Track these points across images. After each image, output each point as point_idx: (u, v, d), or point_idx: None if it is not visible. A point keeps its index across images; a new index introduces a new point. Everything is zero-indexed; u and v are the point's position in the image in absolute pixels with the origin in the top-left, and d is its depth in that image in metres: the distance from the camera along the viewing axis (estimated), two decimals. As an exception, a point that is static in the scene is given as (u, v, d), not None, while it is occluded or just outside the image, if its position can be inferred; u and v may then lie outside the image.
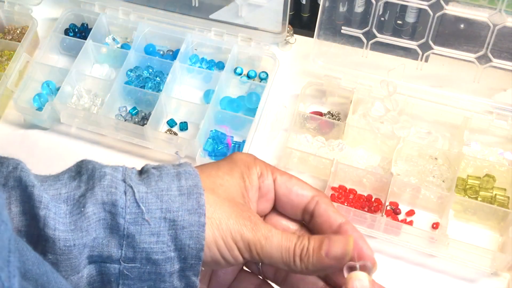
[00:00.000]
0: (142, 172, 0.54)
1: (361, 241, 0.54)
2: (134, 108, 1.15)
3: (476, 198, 1.02)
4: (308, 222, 0.59)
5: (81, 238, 0.49)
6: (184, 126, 1.14)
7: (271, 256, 0.53)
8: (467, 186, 1.03)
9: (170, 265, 0.51)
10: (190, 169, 0.53)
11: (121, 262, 0.50)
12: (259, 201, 0.58)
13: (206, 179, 0.53)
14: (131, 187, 0.51)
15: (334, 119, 1.11)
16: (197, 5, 1.17)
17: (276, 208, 0.60)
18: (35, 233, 0.48)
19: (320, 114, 1.12)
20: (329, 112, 1.12)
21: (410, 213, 1.03)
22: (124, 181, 0.51)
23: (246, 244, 0.52)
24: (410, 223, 1.02)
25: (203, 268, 0.53)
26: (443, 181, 1.03)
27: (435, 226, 1.01)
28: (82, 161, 0.55)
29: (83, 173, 0.52)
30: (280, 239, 0.53)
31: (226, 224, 0.52)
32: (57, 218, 0.49)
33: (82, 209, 0.50)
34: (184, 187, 0.52)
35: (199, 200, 0.51)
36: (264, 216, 0.61)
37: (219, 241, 0.52)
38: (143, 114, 1.14)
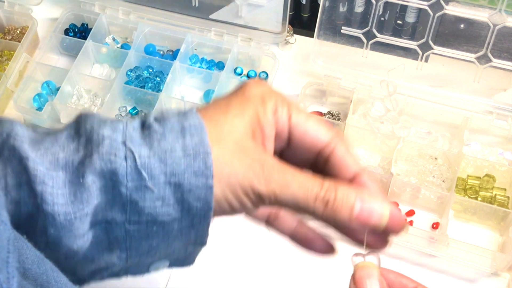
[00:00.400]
0: (144, 126, 0.50)
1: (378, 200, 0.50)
2: (134, 108, 1.15)
3: (476, 198, 1.02)
4: (322, 166, 0.55)
5: (81, 209, 0.47)
6: (184, 126, 1.12)
7: (288, 203, 0.49)
8: (467, 186, 1.03)
9: (178, 224, 0.49)
10: (196, 121, 0.49)
11: (126, 224, 0.49)
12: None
13: (213, 129, 0.49)
14: (132, 152, 0.48)
15: (334, 119, 1.11)
16: (197, 5, 1.17)
17: (289, 149, 0.55)
18: (34, 207, 0.47)
19: (320, 114, 1.12)
20: (329, 112, 1.12)
21: (410, 213, 1.03)
22: (124, 143, 0.48)
23: (258, 197, 0.49)
24: (410, 223, 1.02)
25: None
26: (443, 181, 1.03)
27: (435, 226, 1.01)
28: (80, 116, 0.51)
29: (82, 133, 0.50)
30: (299, 184, 0.49)
31: (235, 178, 0.48)
32: (54, 192, 0.47)
33: (81, 180, 0.47)
34: (189, 146, 0.48)
35: (206, 161, 0.48)
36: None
37: (229, 197, 0.49)
38: (143, 114, 1.13)
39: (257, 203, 0.50)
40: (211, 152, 0.48)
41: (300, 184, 0.49)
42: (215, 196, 0.48)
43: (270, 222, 0.59)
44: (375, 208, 0.49)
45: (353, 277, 0.50)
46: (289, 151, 0.55)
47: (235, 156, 0.49)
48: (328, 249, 0.57)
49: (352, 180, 0.52)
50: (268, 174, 0.48)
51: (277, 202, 0.49)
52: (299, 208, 0.49)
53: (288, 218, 0.58)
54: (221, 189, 0.48)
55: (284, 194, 0.48)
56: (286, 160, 0.52)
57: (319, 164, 0.54)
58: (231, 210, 0.50)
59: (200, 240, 0.52)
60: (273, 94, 0.52)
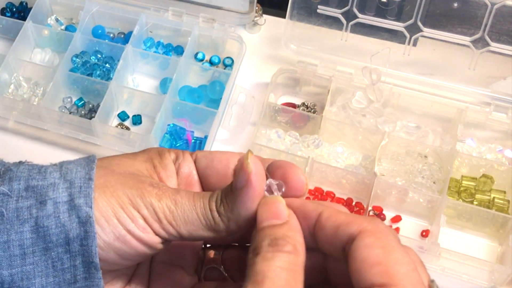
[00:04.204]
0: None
1: (287, 163, 0.51)
2: (81, 99, 1.13)
3: (471, 202, 1.01)
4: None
5: None
6: (137, 120, 1.12)
7: (187, 221, 0.49)
8: (462, 188, 1.03)
9: (54, 190, 0.48)
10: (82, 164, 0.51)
11: None
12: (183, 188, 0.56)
13: (101, 160, 0.51)
14: None
15: (309, 111, 1.10)
16: (152, -19, 1.18)
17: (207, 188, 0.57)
18: None
19: (293, 106, 1.11)
20: (303, 104, 1.11)
21: (396, 219, 1.02)
22: None
23: (151, 211, 0.48)
24: (396, 230, 1.01)
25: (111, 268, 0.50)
26: (434, 183, 1.02)
27: (425, 234, 1.00)
28: None
29: None
30: (191, 198, 0.50)
31: (122, 190, 0.48)
32: None
33: None
34: (69, 168, 0.50)
35: (89, 166, 0.49)
36: None
37: (117, 211, 0.48)
38: (90, 106, 1.12)
39: (153, 223, 0.49)
40: (95, 166, 0.49)
41: (195, 193, 0.50)
42: (101, 210, 0.47)
43: None
44: (238, 163, 0.49)
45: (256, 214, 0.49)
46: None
47: (123, 176, 0.49)
48: None
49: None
50: (160, 190, 0.49)
51: (176, 219, 0.49)
52: (199, 220, 0.49)
53: None
54: (107, 201, 0.48)
55: (182, 206, 0.49)
56: None
57: None
58: (127, 232, 0.48)
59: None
60: (172, 149, 0.55)
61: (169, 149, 0.55)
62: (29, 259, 0.47)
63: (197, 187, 0.55)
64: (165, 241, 0.50)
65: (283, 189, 0.50)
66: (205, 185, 0.55)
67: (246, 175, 0.48)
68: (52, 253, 0.47)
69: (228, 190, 0.50)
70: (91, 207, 0.48)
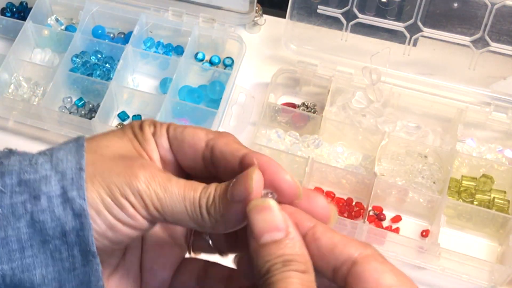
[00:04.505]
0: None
1: (272, 167, 0.49)
2: (81, 99, 1.12)
3: (471, 202, 1.01)
4: (216, 175, 0.54)
5: None
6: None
7: (174, 211, 0.48)
8: (462, 188, 1.03)
9: (46, 184, 0.47)
10: (72, 141, 0.50)
11: None
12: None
13: (89, 142, 0.50)
14: None
15: (309, 111, 1.09)
16: (152, -19, 1.18)
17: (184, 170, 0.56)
18: None
19: (293, 106, 1.10)
20: (303, 104, 1.10)
21: (396, 219, 1.02)
22: None
23: (139, 198, 0.48)
24: (396, 230, 1.01)
25: (107, 243, 0.49)
26: (434, 183, 1.02)
27: (425, 234, 1.00)
28: None
29: None
30: (182, 188, 0.48)
31: (110, 178, 0.48)
32: None
33: None
34: (59, 157, 0.49)
35: (79, 153, 0.48)
36: None
37: (106, 199, 0.47)
38: (90, 106, 1.11)
39: (140, 209, 0.48)
40: (84, 151, 0.49)
41: (186, 183, 0.49)
42: (90, 200, 0.47)
43: (201, 283, 0.57)
44: (242, 175, 0.48)
45: (248, 222, 0.47)
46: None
47: (111, 161, 0.49)
48: None
49: (240, 168, 0.51)
50: (150, 173, 0.48)
51: (163, 207, 0.48)
52: (187, 213, 0.49)
53: (218, 270, 0.57)
54: (96, 192, 0.47)
55: (170, 195, 0.48)
56: None
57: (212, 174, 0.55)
58: (116, 220, 0.48)
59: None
60: (150, 120, 0.54)
61: (148, 122, 0.54)
62: (28, 252, 0.47)
63: (173, 163, 0.55)
64: (154, 223, 0.51)
65: (276, 196, 0.49)
66: (179, 163, 0.55)
67: (246, 193, 0.48)
68: (50, 245, 0.48)
69: (223, 193, 0.49)
70: (84, 199, 0.48)
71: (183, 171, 0.55)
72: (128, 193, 0.48)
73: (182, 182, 0.49)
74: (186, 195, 0.49)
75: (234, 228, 0.49)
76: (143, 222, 0.50)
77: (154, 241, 0.55)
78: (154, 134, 0.53)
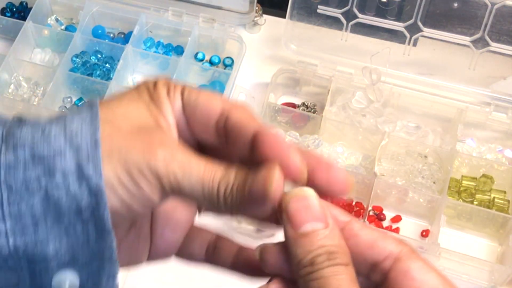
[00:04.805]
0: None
1: (292, 157, 0.46)
2: (80, 99, 1.13)
3: (471, 202, 1.01)
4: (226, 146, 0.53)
5: None
6: (137, 120, 1.08)
7: (191, 192, 0.47)
8: (462, 188, 1.03)
9: (61, 159, 0.46)
10: (85, 107, 0.49)
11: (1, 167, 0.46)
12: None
13: (105, 110, 0.48)
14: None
15: (309, 111, 1.09)
16: (152, -20, 1.18)
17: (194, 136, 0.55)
18: None
19: (293, 106, 1.10)
20: (303, 104, 1.10)
21: (396, 219, 1.02)
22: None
23: (156, 178, 0.47)
24: (396, 230, 1.01)
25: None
26: (434, 183, 1.02)
27: (425, 234, 1.00)
28: None
29: None
30: (202, 170, 0.47)
31: (126, 155, 0.46)
32: None
33: None
34: (74, 129, 0.47)
35: (94, 124, 0.47)
36: None
37: (122, 178, 0.46)
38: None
39: (156, 188, 0.47)
40: (99, 125, 0.47)
41: (206, 167, 0.47)
42: (106, 176, 0.46)
43: (209, 256, 0.57)
44: (261, 174, 0.46)
45: (286, 211, 0.45)
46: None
47: (129, 135, 0.47)
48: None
49: (252, 145, 0.49)
50: (169, 153, 0.47)
51: (179, 186, 0.47)
52: (203, 196, 0.47)
53: (227, 244, 0.56)
54: (113, 167, 0.46)
55: (189, 177, 0.47)
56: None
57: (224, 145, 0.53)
58: (131, 198, 0.47)
59: (104, 245, 0.49)
60: (165, 80, 0.52)
61: (162, 83, 0.52)
62: (42, 227, 0.47)
63: (186, 129, 0.53)
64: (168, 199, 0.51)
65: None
66: (191, 130, 0.53)
67: (264, 197, 0.47)
68: (65, 219, 0.47)
69: (242, 184, 0.48)
70: (100, 176, 0.47)
71: (194, 137, 0.54)
72: (146, 173, 0.47)
73: (203, 163, 0.48)
74: (205, 179, 0.47)
75: (249, 216, 0.49)
76: (158, 201, 0.49)
77: (165, 205, 0.54)
78: (168, 96, 0.52)
